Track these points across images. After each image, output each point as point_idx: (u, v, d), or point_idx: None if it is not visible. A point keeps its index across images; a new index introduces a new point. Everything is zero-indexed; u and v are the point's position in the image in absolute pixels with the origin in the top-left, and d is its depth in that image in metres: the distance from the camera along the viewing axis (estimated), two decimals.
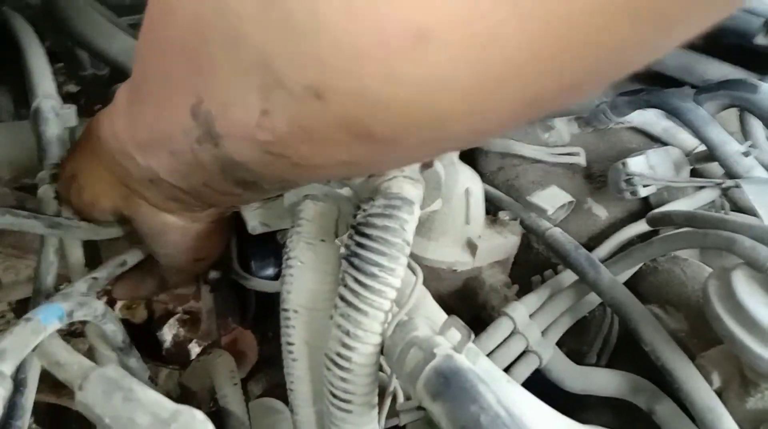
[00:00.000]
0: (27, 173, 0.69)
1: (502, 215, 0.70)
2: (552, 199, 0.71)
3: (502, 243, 0.70)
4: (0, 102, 0.92)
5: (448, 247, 0.68)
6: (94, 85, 1.03)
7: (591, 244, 0.72)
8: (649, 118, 0.87)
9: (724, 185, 0.71)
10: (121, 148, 0.42)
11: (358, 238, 0.39)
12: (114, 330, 0.46)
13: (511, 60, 0.22)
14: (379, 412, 0.42)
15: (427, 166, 0.45)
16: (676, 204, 0.73)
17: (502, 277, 0.70)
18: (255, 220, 0.54)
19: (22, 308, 0.78)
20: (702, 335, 0.58)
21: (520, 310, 0.60)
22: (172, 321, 0.92)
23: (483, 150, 0.84)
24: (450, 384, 0.34)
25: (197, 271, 0.63)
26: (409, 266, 0.42)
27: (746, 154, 0.71)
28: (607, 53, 0.24)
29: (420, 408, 0.47)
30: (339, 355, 0.39)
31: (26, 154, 0.68)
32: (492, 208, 0.72)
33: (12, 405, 0.41)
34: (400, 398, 0.45)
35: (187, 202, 0.45)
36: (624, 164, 0.72)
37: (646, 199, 0.75)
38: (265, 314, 0.74)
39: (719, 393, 0.51)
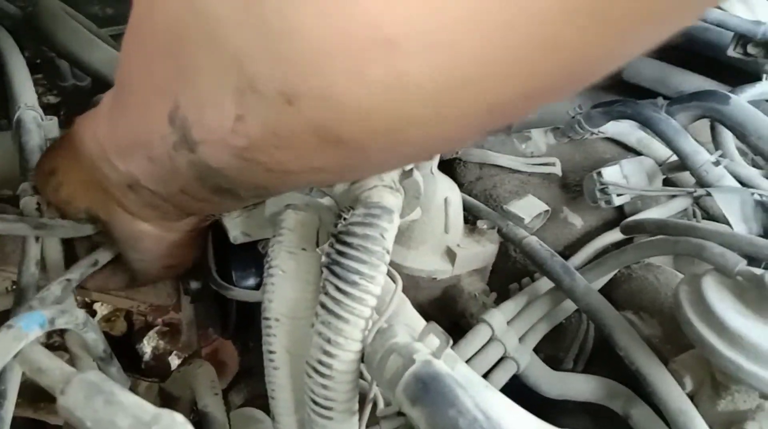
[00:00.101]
0: (6, 184, 0.68)
1: (481, 224, 0.71)
2: (529, 208, 0.72)
3: (481, 251, 0.71)
4: None
5: (428, 256, 0.69)
6: (75, 96, 1.03)
7: (567, 252, 0.73)
8: (623, 129, 0.89)
9: (695, 194, 0.73)
10: (101, 152, 0.42)
11: (338, 247, 0.40)
12: (95, 339, 0.46)
13: (473, 64, 0.23)
14: (360, 419, 0.42)
15: (406, 175, 0.46)
16: (649, 212, 0.75)
17: (481, 285, 0.71)
18: (236, 229, 0.54)
19: (1, 320, 0.77)
20: (675, 340, 0.59)
21: (498, 317, 0.61)
22: (151, 333, 0.92)
23: (461, 160, 0.85)
24: (429, 389, 0.34)
25: (166, 278, 0.63)
26: (389, 274, 0.42)
27: (716, 163, 0.73)
28: (568, 59, 0.24)
29: (400, 414, 0.47)
30: (320, 362, 0.39)
31: (5, 164, 0.67)
32: (470, 217, 0.73)
33: None
34: (381, 405, 0.45)
35: (165, 209, 0.45)
36: (599, 174, 0.73)
37: (620, 207, 0.77)
38: (246, 324, 0.74)
39: (691, 396, 0.52)
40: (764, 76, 0.98)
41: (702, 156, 0.73)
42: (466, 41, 0.22)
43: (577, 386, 0.61)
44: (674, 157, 0.80)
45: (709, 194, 0.71)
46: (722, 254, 0.51)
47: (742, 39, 0.95)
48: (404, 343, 0.38)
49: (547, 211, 0.73)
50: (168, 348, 0.92)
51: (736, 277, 0.50)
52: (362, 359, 0.40)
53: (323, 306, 0.39)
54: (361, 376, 0.41)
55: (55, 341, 0.76)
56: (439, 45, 0.22)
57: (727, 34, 0.97)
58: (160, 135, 0.34)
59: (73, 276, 0.52)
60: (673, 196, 0.76)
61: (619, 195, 0.73)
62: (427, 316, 0.48)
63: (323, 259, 0.41)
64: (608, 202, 0.73)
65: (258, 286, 0.64)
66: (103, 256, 0.56)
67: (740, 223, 0.67)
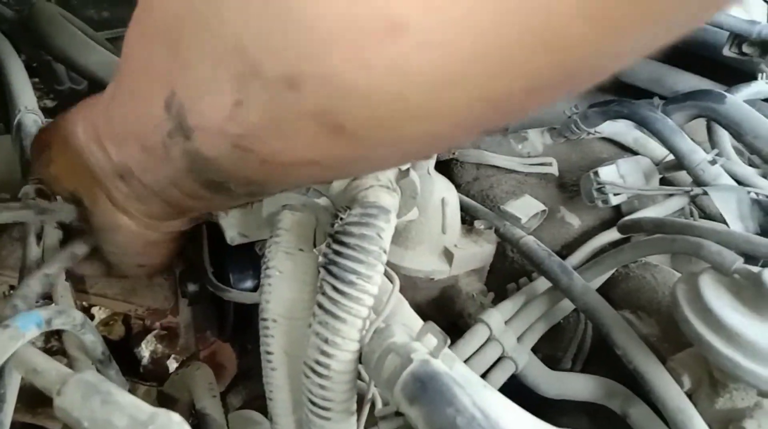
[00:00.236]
0: (5, 187, 0.68)
1: (478, 224, 0.71)
2: (526, 208, 0.72)
3: (478, 251, 0.71)
4: None
5: (425, 256, 0.69)
6: (71, 99, 1.03)
7: (564, 252, 0.73)
8: (619, 129, 0.89)
9: (692, 193, 0.73)
10: (96, 140, 0.42)
11: (335, 247, 0.40)
12: (93, 341, 0.46)
13: (482, 53, 0.23)
14: (358, 419, 0.42)
15: (403, 175, 0.46)
16: (646, 212, 0.75)
17: (478, 285, 0.72)
18: (233, 230, 0.54)
19: None
20: (673, 339, 0.59)
21: (496, 317, 0.61)
22: (149, 337, 0.91)
23: (458, 161, 0.85)
24: (426, 388, 0.34)
25: (137, 276, 0.62)
26: (386, 274, 0.42)
27: (713, 162, 0.73)
28: (572, 58, 0.24)
29: (398, 414, 0.47)
30: (318, 362, 0.39)
31: (4, 168, 0.67)
32: (468, 218, 0.73)
33: None
34: (379, 405, 0.45)
35: (152, 205, 0.44)
36: (596, 174, 0.73)
37: (617, 207, 0.77)
38: (244, 326, 0.74)
39: (690, 394, 0.52)
40: (759, 75, 0.98)
41: (698, 155, 0.74)
42: (480, 27, 0.22)
43: (575, 386, 0.61)
44: (671, 157, 0.81)
45: (705, 193, 0.71)
46: (719, 252, 0.51)
47: (738, 38, 0.95)
48: (402, 342, 0.38)
49: (544, 211, 0.74)
50: (166, 352, 0.91)
51: (733, 275, 0.50)
52: (360, 359, 0.40)
53: (320, 306, 0.39)
54: (359, 376, 0.41)
55: (53, 345, 0.76)
56: (446, 33, 0.22)
57: (722, 33, 0.97)
58: (156, 122, 0.33)
59: (51, 270, 0.52)
60: (670, 195, 0.76)
61: (616, 194, 0.73)
62: (424, 316, 0.48)
63: (320, 259, 0.41)
64: (605, 201, 0.73)
65: (256, 288, 0.64)
66: (81, 249, 0.55)
67: (737, 222, 0.67)
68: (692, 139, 0.77)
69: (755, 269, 0.49)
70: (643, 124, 0.79)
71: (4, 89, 0.75)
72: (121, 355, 0.83)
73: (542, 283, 0.67)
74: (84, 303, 0.67)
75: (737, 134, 0.79)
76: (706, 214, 0.75)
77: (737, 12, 1.05)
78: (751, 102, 0.85)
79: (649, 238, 0.62)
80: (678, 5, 0.23)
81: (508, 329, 0.61)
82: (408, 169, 0.46)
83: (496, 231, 0.71)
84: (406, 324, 0.42)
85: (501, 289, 0.72)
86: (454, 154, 0.85)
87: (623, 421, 0.58)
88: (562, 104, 0.85)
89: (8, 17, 0.91)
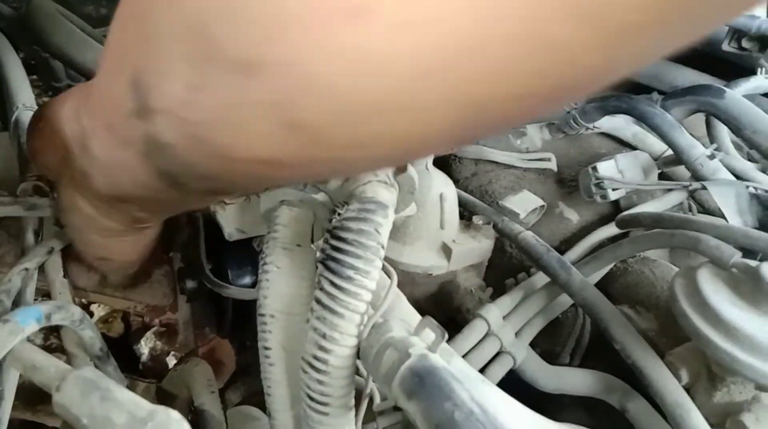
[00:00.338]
0: (2, 185, 0.68)
1: (476, 220, 0.71)
2: (524, 203, 0.72)
3: (477, 247, 0.71)
4: None
5: (423, 252, 0.69)
6: None
7: (563, 247, 0.73)
8: (618, 124, 0.89)
9: (690, 188, 0.73)
10: (75, 114, 0.41)
11: (333, 242, 0.40)
12: (92, 336, 0.46)
13: (461, 46, 0.21)
14: (356, 415, 0.42)
15: (401, 170, 0.46)
16: (644, 206, 0.75)
17: (477, 281, 0.72)
18: (231, 226, 0.54)
19: None
20: (671, 334, 0.59)
21: (494, 312, 0.61)
22: (149, 334, 0.91)
23: (456, 156, 0.85)
24: (424, 382, 0.34)
25: (102, 269, 0.60)
26: (384, 269, 0.42)
27: (711, 157, 0.73)
28: (559, 61, 0.21)
29: (397, 409, 0.47)
30: (315, 357, 0.39)
31: (2, 165, 0.67)
32: (466, 213, 0.73)
33: None
34: (377, 400, 0.45)
35: (107, 203, 0.43)
36: (594, 169, 0.73)
37: (616, 202, 0.77)
38: (242, 323, 0.74)
39: (688, 388, 0.52)
40: (759, 70, 0.98)
41: (697, 150, 0.74)
42: (453, 19, 0.20)
43: (573, 380, 0.61)
44: (669, 152, 0.81)
45: (704, 188, 0.71)
46: (717, 247, 0.52)
47: (737, 33, 0.95)
48: (400, 337, 0.38)
49: (542, 206, 0.74)
50: (165, 348, 0.91)
51: (731, 270, 0.50)
52: (358, 354, 0.40)
53: (318, 301, 0.39)
54: (357, 372, 0.41)
55: (52, 343, 0.76)
56: (418, 17, 0.20)
57: (721, 28, 0.97)
58: (121, 101, 0.32)
59: (30, 264, 0.52)
60: (669, 190, 0.76)
61: (614, 189, 0.73)
62: (423, 312, 0.48)
63: (318, 254, 0.41)
64: (604, 196, 0.73)
65: (254, 284, 0.64)
66: (57, 244, 0.55)
67: (735, 216, 0.67)
68: (691, 134, 0.76)
69: (753, 263, 0.49)
70: (641, 119, 0.79)
71: (2, 86, 0.75)
72: (120, 351, 0.83)
73: (541, 278, 0.67)
74: (83, 300, 0.67)
75: (736, 129, 0.79)
76: (704, 209, 0.76)
77: None
78: (750, 97, 0.85)
79: (647, 232, 0.62)
80: (702, 5, 0.21)
81: (506, 324, 0.61)
82: (406, 165, 0.46)
83: (495, 226, 0.71)
84: (404, 319, 0.42)
85: (499, 284, 0.73)
86: (452, 149, 0.85)
87: (621, 416, 0.58)
88: None
89: (6, 14, 0.91)
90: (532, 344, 0.63)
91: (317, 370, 0.39)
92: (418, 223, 0.67)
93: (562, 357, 0.68)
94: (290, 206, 0.49)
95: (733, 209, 0.68)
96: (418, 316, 0.48)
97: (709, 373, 0.52)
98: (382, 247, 0.40)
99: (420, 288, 0.71)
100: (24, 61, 0.80)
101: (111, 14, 0.31)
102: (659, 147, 0.85)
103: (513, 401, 0.41)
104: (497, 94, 0.23)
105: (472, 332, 0.60)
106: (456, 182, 0.71)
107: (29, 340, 0.42)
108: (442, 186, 0.66)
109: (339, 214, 0.40)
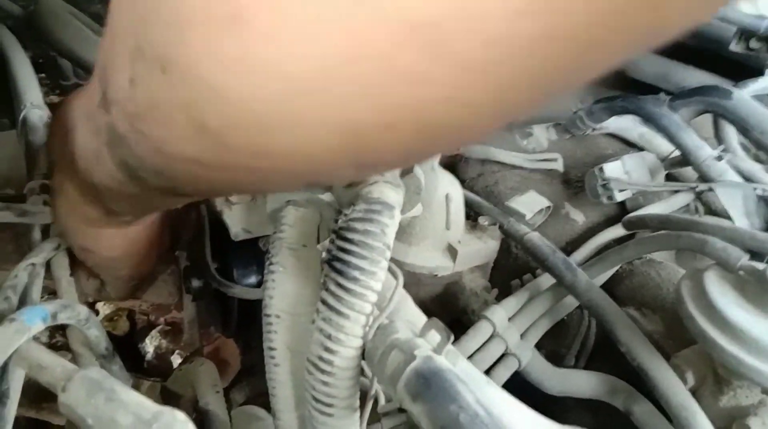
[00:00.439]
0: (9, 184, 0.69)
1: (482, 220, 0.71)
2: (530, 204, 0.72)
3: (482, 248, 0.71)
4: None
5: (429, 252, 0.68)
6: None
7: (569, 248, 0.73)
8: (625, 125, 0.89)
9: (698, 189, 0.72)
10: (72, 115, 0.43)
11: (339, 243, 0.40)
12: (97, 336, 0.46)
13: (329, 64, 0.21)
14: (361, 416, 0.42)
15: (407, 171, 0.46)
16: (651, 208, 0.74)
17: (482, 282, 0.71)
18: (237, 226, 0.55)
19: None
20: (677, 336, 0.59)
21: (500, 313, 0.61)
22: (154, 332, 0.92)
23: (463, 157, 0.85)
24: (430, 384, 0.34)
25: (88, 263, 0.60)
26: (390, 270, 0.42)
27: (719, 158, 0.73)
28: (414, 91, 0.21)
29: (401, 410, 0.47)
30: (321, 358, 0.39)
31: (8, 164, 0.67)
32: (472, 214, 0.73)
33: None
34: (382, 401, 0.45)
35: (78, 172, 0.44)
36: (600, 169, 0.73)
37: (622, 203, 0.77)
38: (248, 323, 0.75)
39: (694, 392, 0.52)
40: (767, 70, 0.97)
41: (704, 151, 0.73)
42: (319, 35, 0.20)
43: (578, 382, 0.61)
44: (676, 153, 0.80)
45: (711, 189, 0.70)
46: (724, 249, 0.51)
47: (745, 34, 0.94)
48: (405, 339, 0.38)
49: (548, 207, 0.73)
50: (170, 347, 0.92)
51: (738, 272, 0.50)
52: (363, 356, 0.40)
53: (324, 302, 0.39)
54: (362, 372, 0.41)
55: (58, 341, 0.76)
56: (289, 29, 0.20)
57: (729, 28, 0.96)
58: (93, 91, 0.34)
59: (37, 259, 0.52)
60: (676, 192, 0.76)
61: (621, 191, 0.73)
62: (428, 312, 0.48)
63: (324, 255, 0.40)
64: (610, 197, 0.73)
65: (260, 284, 0.64)
66: (65, 241, 0.56)
67: (742, 218, 0.67)
68: (698, 135, 0.76)
69: (760, 266, 0.49)
70: (649, 119, 0.78)
71: (10, 85, 0.75)
72: (125, 350, 0.84)
73: (546, 280, 0.67)
74: (89, 298, 0.67)
75: (744, 130, 0.78)
76: (711, 211, 0.75)
77: (745, 7, 1.05)
78: (758, 98, 0.84)
79: (654, 234, 0.62)
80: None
81: (511, 326, 0.61)
82: (412, 166, 0.46)
83: (501, 227, 0.71)
84: (410, 320, 0.42)
85: (505, 285, 0.72)
86: (458, 149, 0.85)
87: (626, 419, 0.58)
88: (567, 100, 0.85)
89: (14, 13, 0.91)
90: (538, 346, 0.63)
91: (322, 371, 0.39)
92: (423, 223, 0.67)
93: (568, 359, 0.68)
94: (296, 206, 0.49)
95: (740, 211, 0.68)
96: (423, 317, 0.48)
97: (715, 376, 0.52)
98: (388, 247, 0.40)
99: (425, 289, 0.71)
100: (32, 59, 0.81)
101: None
102: (666, 148, 0.84)
103: (518, 403, 0.41)
104: (368, 120, 0.23)
105: (478, 334, 0.60)
106: (462, 183, 0.70)
107: (35, 338, 0.42)
108: (449, 186, 0.66)
109: (345, 215, 0.40)
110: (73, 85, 1.03)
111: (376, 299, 0.40)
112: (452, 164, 0.86)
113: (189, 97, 0.25)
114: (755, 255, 0.52)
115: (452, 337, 0.37)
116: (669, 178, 0.82)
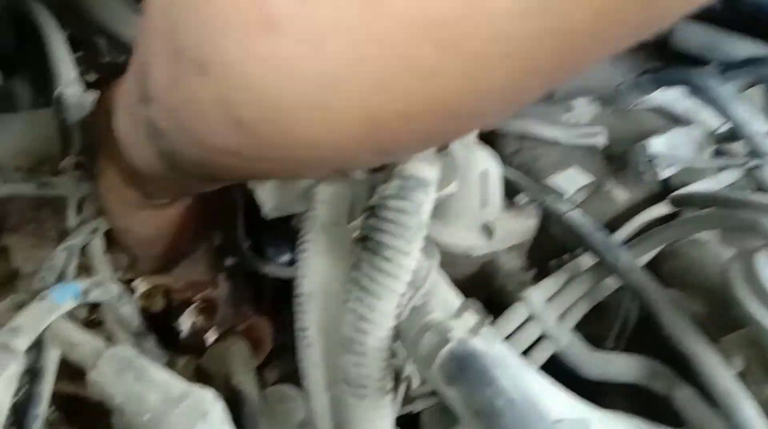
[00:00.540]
0: (45, 162, 0.69)
1: (520, 198, 0.69)
2: (571, 181, 0.70)
3: (519, 226, 0.69)
4: (18, 91, 0.92)
5: (464, 231, 0.67)
6: (112, 72, 1.04)
7: (610, 227, 0.70)
8: (671, 98, 0.85)
9: (748, 165, 0.69)
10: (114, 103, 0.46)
11: (372, 221, 0.39)
12: (130, 313, 0.46)
13: (355, 61, 0.23)
14: (394, 398, 0.42)
15: (442, 148, 0.44)
16: (698, 185, 0.71)
17: (519, 262, 0.70)
18: (270, 204, 0.54)
19: None
20: (723, 320, 0.57)
21: (537, 294, 0.59)
22: (190, 309, 0.93)
23: (501, 132, 0.83)
24: (465, 368, 0.33)
25: (123, 240, 0.62)
26: (425, 249, 0.41)
27: None
28: (427, 83, 0.24)
29: (433, 393, 0.46)
30: (353, 339, 0.39)
31: (44, 142, 0.68)
32: (509, 191, 0.71)
33: (29, 393, 0.41)
34: (415, 384, 0.45)
35: (121, 159, 0.46)
36: (645, 145, 0.71)
37: (667, 180, 0.74)
38: (281, 301, 0.75)
39: (741, 378, 0.50)
40: None
41: (756, 125, 0.70)
42: (346, 37, 0.22)
43: (618, 366, 0.59)
44: (725, 127, 0.77)
45: (762, 166, 0.67)
46: None
47: None
48: (440, 320, 0.37)
49: (590, 184, 0.71)
50: (206, 325, 0.92)
51: None
52: (397, 336, 0.39)
53: (356, 282, 0.39)
54: (395, 354, 0.40)
55: (96, 317, 0.78)
56: (318, 32, 0.23)
57: None
58: (133, 87, 0.36)
59: (75, 242, 0.53)
60: (724, 168, 0.73)
61: (666, 167, 0.70)
62: (463, 293, 0.47)
63: (356, 233, 0.40)
64: (654, 174, 0.70)
65: (292, 262, 0.64)
66: (104, 224, 0.57)
67: None
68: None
69: None
70: (698, 90, 0.75)
71: (47, 64, 0.75)
72: (161, 327, 0.85)
73: (586, 260, 0.65)
74: (124, 276, 0.68)
75: None
76: (762, 188, 0.72)
77: None
78: None
79: (700, 213, 0.60)
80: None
81: (548, 307, 0.59)
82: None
83: (540, 205, 0.69)
84: (445, 301, 0.41)
85: (543, 265, 0.70)
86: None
87: (665, 403, 0.56)
88: (610, 71, 0.82)
89: None
90: (576, 328, 0.61)
91: (354, 352, 0.39)
92: (459, 201, 0.65)
93: (607, 342, 0.66)
94: (329, 183, 0.48)
95: None
96: (459, 299, 0.47)
97: (764, 362, 0.50)
98: (424, 226, 0.39)
99: (460, 269, 0.70)
100: (69, 37, 0.81)
101: None
102: (714, 122, 0.81)
103: (555, 387, 0.40)
104: (388, 111, 0.25)
105: (514, 315, 0.59)
106: (500, 159, 0.68)
107: (72, 315, 0.42)
108: (486, 162, 0.64)
109: (379, 192, 0.39)
110: (110, 63, 1.04)
111: (411, 279, 0.39)
112: (491, 139, 0.83)
113: (226, 95, 0.27)
114: None
115: (489, 320, 0.36)
116: (717, 153, 0.79)
